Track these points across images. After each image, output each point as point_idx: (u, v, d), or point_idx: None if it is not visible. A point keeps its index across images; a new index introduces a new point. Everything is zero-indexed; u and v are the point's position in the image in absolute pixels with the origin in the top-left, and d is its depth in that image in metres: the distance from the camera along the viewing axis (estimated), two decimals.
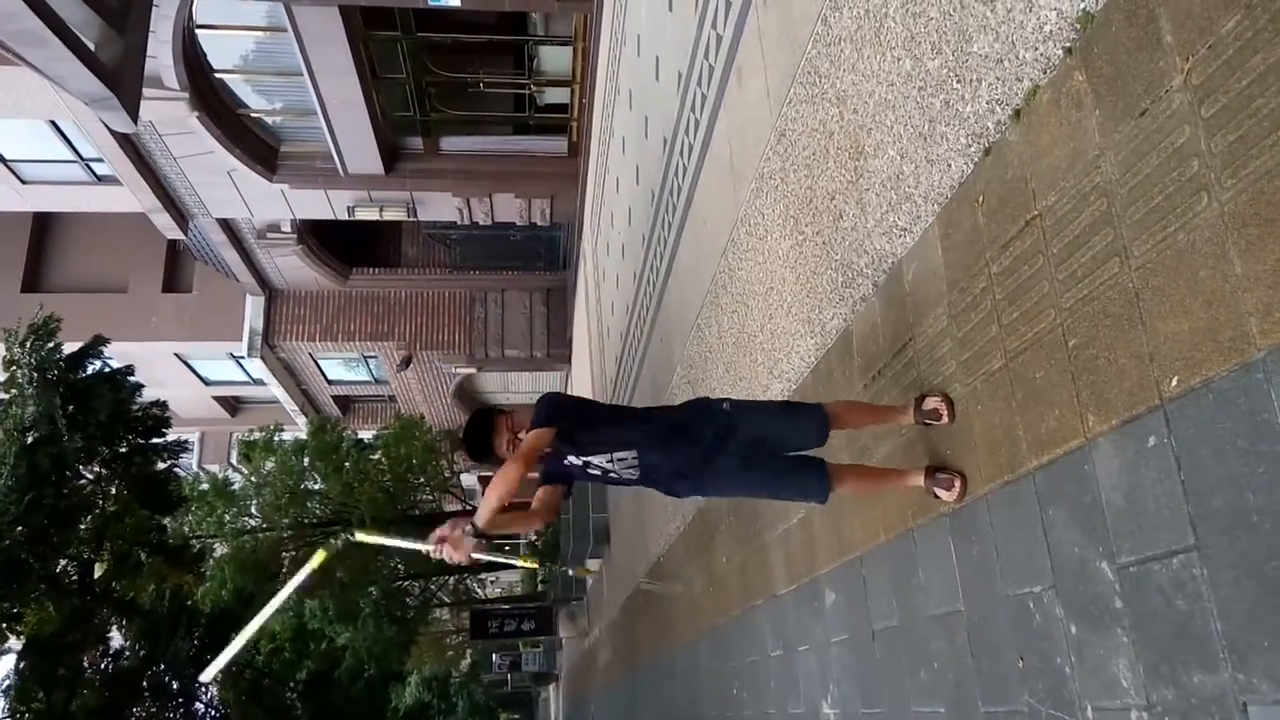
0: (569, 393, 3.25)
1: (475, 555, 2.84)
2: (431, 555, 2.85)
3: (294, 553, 15.72)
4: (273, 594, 3.32)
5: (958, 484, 3.02)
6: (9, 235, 17.07)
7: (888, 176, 3.43)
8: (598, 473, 3.20)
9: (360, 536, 3.47)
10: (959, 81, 2.89)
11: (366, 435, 18.35)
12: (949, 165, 3.00)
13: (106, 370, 11.77)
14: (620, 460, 3.14)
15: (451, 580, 21.90)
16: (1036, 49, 2.51)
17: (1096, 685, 2.40)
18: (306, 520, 15.96)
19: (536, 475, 3.25)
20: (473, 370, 18.50)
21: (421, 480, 17.26)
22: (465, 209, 14.59)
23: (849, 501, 4.06)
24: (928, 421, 3.16)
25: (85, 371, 11.42)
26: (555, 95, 14.06)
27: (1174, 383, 2.08)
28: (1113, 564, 2.31)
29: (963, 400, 3.03)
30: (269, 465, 15.87)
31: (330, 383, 20.13)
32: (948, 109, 2.97)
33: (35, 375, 10.73)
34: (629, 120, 9.35)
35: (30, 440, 10.36)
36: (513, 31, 13.30)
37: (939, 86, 3.01)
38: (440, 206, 14.66)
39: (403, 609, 18.43)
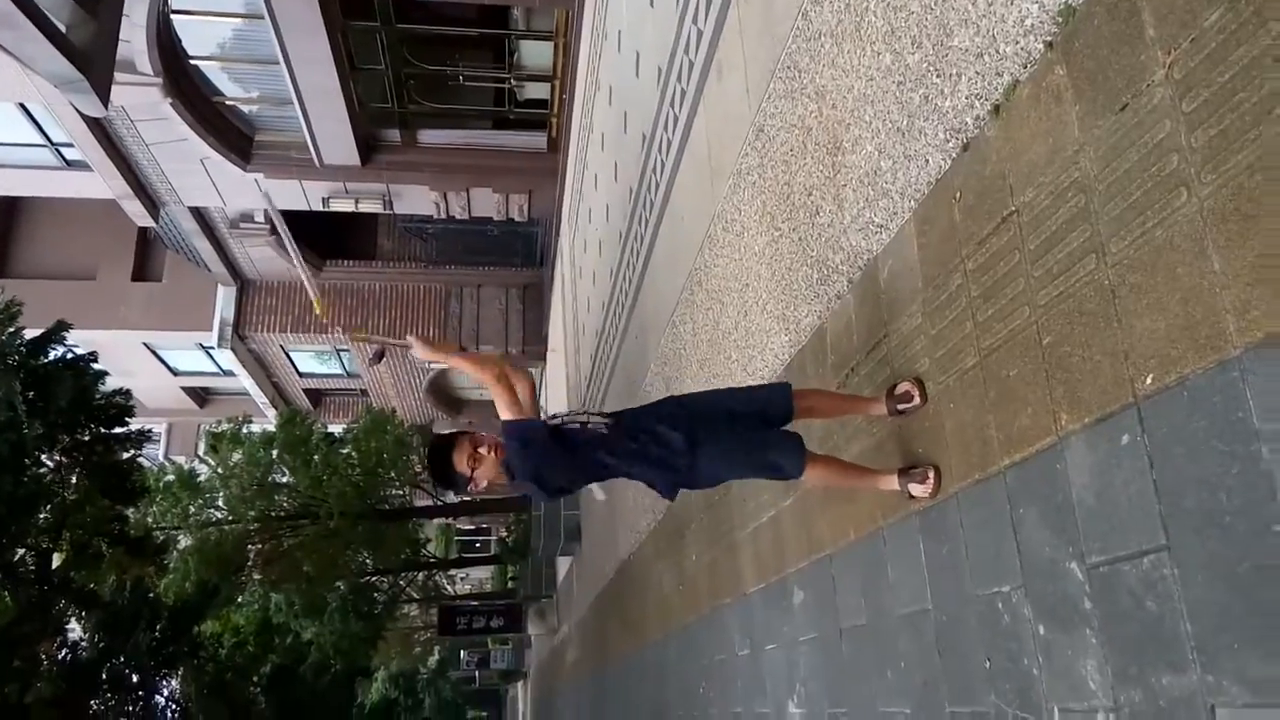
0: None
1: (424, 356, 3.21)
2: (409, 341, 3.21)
3: (260, 546, 15.55)
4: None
5: (931, 476, 2.98)
6: None
7: (865, 172, 3.40)
8: (575, 425, 3.14)
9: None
10: (938, 76, 2.86)
11: (337, 429, 18.18)
12: (927, 161, 2.98)
13: (69, 357, 11.54)
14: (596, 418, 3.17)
15: (420, 576, 21.77)
16: (1017, 43, 2.49)
17: (1064, 686, 2.38)
18: (273, 513, 15.80)
19: (502, 481, 3.23)
20: (446, 365, 18.38)
21: (391, 475, 17.15)
22: (442, 203, 14.48)
23: (819, 499, 4.03)
24: (900, 407, 3.13)
25: (47, 357, 11.18)
26: (535, 90, 13.98)
27: (1149, 381, 2.05)
28: (1083, 564, 2.28)
29: (935, 398, 3.00)
30: (236, 457, 15.69)
31: (301, 375, 19.92)
32: (927, 104, 2.94)
33: None
34: (608, 116, 9.29)
35: None
36: (494, 25, 13.20)
37: (918, 81, 2.98)
38: (417, 200, 14.53)
39: (370, 604, 18.30)
